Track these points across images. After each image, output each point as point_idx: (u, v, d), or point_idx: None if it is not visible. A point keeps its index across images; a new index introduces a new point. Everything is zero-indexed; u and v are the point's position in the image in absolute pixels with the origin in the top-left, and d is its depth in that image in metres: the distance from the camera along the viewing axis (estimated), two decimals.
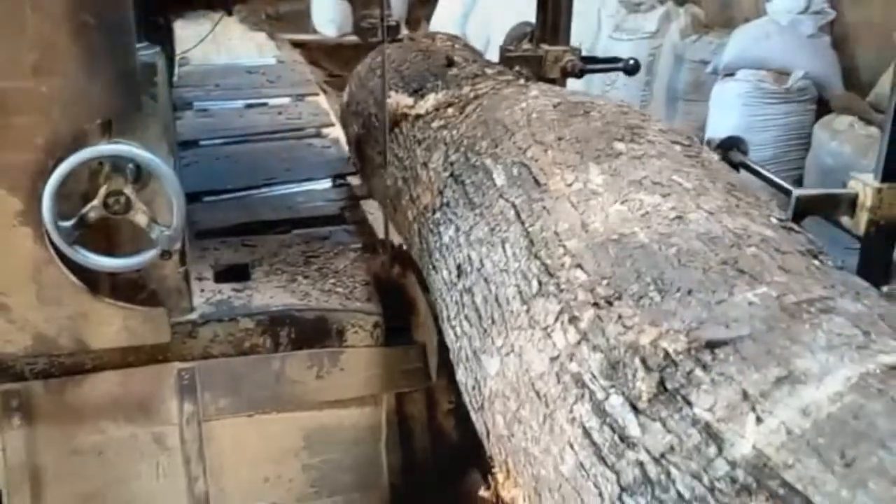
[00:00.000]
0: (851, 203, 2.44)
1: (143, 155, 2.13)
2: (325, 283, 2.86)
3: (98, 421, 2.53)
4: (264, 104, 5.14)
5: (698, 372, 1.17)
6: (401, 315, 2.81)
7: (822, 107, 5.91)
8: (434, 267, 2.11)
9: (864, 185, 2.42)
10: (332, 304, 2.74)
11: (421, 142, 2.51)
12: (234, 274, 2.93)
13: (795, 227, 1.57)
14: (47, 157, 2.06)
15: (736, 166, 2.78)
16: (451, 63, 2.81)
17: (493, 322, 1.68)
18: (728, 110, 5.97)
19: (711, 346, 1.20)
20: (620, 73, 4.21)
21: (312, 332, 2.69)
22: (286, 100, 5.25)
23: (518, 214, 1.80)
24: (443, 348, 2.03)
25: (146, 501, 2.63)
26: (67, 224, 2.11)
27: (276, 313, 2.67)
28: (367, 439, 2.80)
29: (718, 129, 5.49)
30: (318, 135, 4.55)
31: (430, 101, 2.62)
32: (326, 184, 3.83)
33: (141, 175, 2.20)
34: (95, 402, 2.52)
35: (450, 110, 2.48)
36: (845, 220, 2.44)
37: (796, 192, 2.51)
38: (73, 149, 2.06)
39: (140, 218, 2.16)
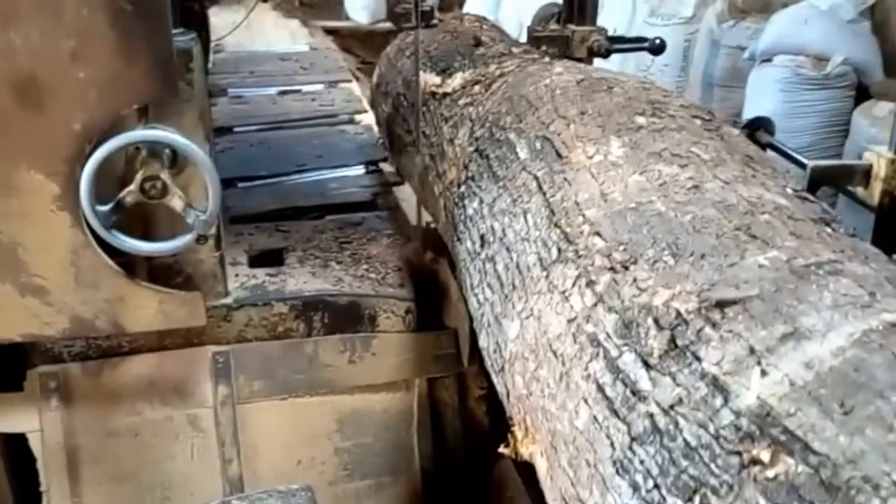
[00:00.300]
0: (865, 174, 2.42)
1: (179, 140, 2.14)
2: (357, 269, 2.89)
3: (134, 403, 2.58)
4: (298, 91, 5.18)
5: (708, 329, 1.19)
6: (433, 300, 2.83)
7: (862, 93, 5.83)
8: (459, 238, 2.14)
9: (879, 156, 2.41)
10: (365, 290, 2.77)
11: (448, 119, 2.53)
12: (269, 259, 2.96)
13: (810, 196, 1.58)
14: (85, 143, 2.06)
15: (763, 147, 2.77)
16: (478, 43, 2.82)
17: (514, 288, 1.71)
18: (765, 96, 5.89)
19: (721, 305, 1.21)
20: (656, 60, 4.21)
21: (345, 317, 2.72)
22: (319, 86, 5.29)
23: (540, 186, 1.82)
24: (474, 334, 2.05)
25: (180, 483, 2.66)
26: (105, 208, 2.13)
27: (309, 298, 2.70)
28: (398, 424, 2.83)
29: (755, 115, 5.44)
30: (351, 121, 4.59)
31: (458, 79, 2.64)
32: (359, 170, 3.87)
33: (177, 160, 2.22)
34: (131, 385, 2.56)
35: (476, 88, 2.50)
36: (859, 190, 2.43)
37: (811, 163, 2.50)
38: (111, 134, 2.07)
39: (176, 203, 2.18)
